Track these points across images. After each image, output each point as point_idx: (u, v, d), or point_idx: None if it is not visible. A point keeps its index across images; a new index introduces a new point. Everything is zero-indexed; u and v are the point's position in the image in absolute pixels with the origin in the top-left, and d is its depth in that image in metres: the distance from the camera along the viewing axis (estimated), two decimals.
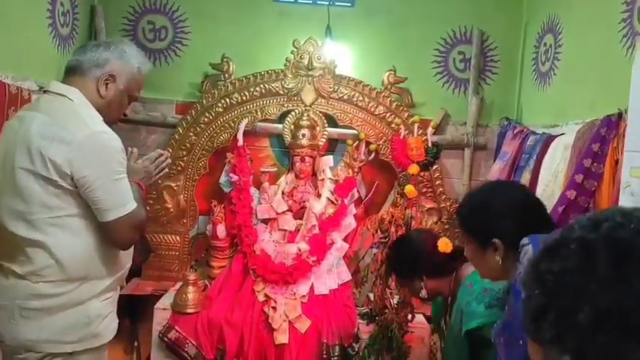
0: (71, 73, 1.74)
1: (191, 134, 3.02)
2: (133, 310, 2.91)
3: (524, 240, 1.31)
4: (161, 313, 2.71)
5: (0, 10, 2.21)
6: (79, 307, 1.67)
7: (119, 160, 1.67)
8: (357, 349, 2.64)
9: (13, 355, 1.64)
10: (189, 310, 2.66)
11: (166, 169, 2.03)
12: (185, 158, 3.02)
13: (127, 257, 1.83)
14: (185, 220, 3.07)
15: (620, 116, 2.01)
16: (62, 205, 1.62)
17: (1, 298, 1.61)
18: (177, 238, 3.07)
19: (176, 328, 2.65)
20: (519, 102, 3.12)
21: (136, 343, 2.82)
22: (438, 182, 3.03)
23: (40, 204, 1.61)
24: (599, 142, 2.04)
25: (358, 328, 2.69)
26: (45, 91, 1.75)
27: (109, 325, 1.77)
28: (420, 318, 2.69)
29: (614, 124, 2.03)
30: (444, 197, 3.04)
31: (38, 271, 1.62)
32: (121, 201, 1.65)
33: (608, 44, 2.19)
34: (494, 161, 2.93)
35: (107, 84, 1.74)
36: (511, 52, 3.15)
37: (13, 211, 1.62)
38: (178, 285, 2.87)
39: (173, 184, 3.02)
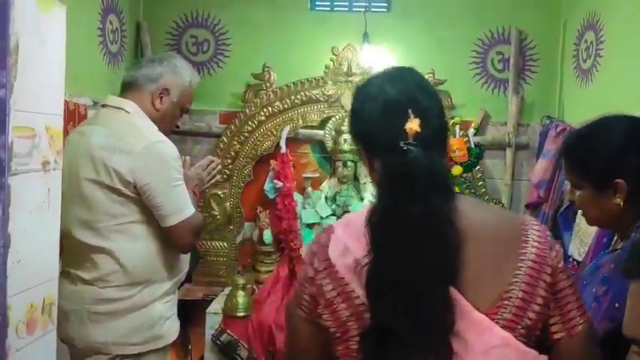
0: (127, 88, 1.84)
1: (235, 143, 3.10)
2: (185, 315, 2.99)
3: None
4: (213, 317, 2.78)
5: None
6: (143, 309, 1.75)
7: (177, 167, 1.75)
8: None
9: (83, 357, 1.73)
10: (240, 314, 2.73)
11: (217, 176, 2.11)
12: (230, 166, 3.10)
13: (185, 262, 1.91)
14: (232, 227, 3.15)
15: None
16: (125, 212, 1.71)
17: (71, 304, 1.70)
18: (225, 244, 3.15)
19: (228, 331, 2.72)
20: (561, 100, 3.10)
21: (190, 347, 2.90)
22: (480, 183, 3.03)
23: (105, 212, 1.70)
24: None
25: None
26: (103, 105, 1.85)
27: (172, 327, 1.85)
28: None
29: None
30: (486, 198, 3.04)
31: (104, 277, 1.71)
32: (180, 206, 1.73)
33: None
34: (537, 160, 2.92)
35: (162, 97, 1.83)
36: (550, 51, 3.14)
37: (80, 220, 1.71)
38: (227, 290, 2.95)
39: (219, 192, 3.10)
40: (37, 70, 0.99)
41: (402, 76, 1.02)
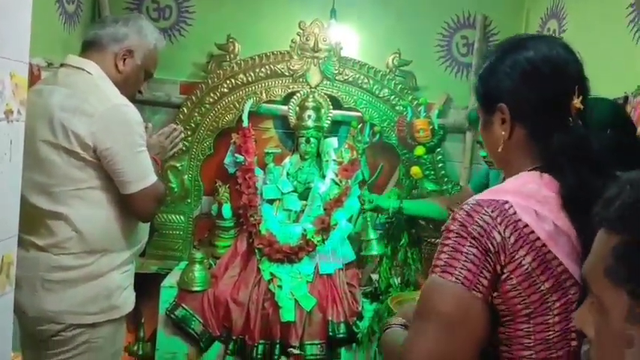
0: (89, 47, 1.75)
1: (196, 114, 3.02)
2: (137, 289, 2.92)
3: None
4: (168, 291, 2.73)
5: None
6: (100, 279, 1.69)
7: (140, 133, 1.69)
8: (361, 327, 2.68)
9: (36, 326, 1.66)
10: (196, 288, 2.68)
11: (180, 144, 2.05)
12: (190, 138, 3.02)
13: (144, 231, 1.85)
14: (189, 200, 3.08)
15: (627, 100, 2.06)
16: (84, 177, 1.64)
17: (23, 271, 1.61)
18: (181, 217, 3.08)
19: (183, 305, 2.67)
20: None
21: (142, 321, 2.83)
22: (440, 165, 3.07)
23: (63, 176, 1.63)
24: None
25: (362, 307, 2.73)
26: (62, 65, 1.75)
27: (128, 298, 1.80)
28: None
29: None
30: (445, 180, 3.08)
31: (60, 244, 1.64)
32: (143, 173, 1.68)
33: (615, 29, 2.23)
34: None
35: (125, 59, 1.76)
36: None
37: (35, 184, 1.63)
38: (182, 264, 2.90)
39: (177, 164, 3.02)
40: (2, 13, 0.92)
41: (570, 50, 1.05)
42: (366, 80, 3.03)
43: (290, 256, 2.78)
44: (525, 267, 0.91)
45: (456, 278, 0.91)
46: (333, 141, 3.06)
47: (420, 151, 2.68)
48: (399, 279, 2.71)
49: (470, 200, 0.98)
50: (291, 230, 2.88)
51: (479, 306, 0.92)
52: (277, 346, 2.61)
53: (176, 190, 3.05)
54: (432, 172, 3.05)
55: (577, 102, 0.97)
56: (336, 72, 3.01)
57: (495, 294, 0.93)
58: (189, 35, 3.14)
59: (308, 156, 2.99)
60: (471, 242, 0.92)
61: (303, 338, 2.62)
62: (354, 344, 2.68)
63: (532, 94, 1.02)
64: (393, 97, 3.04)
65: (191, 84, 3.11)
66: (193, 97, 3.02)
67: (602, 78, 2.25)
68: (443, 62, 3.21)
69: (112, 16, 1.77)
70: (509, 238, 0.91)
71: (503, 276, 0.92)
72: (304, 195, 2.98)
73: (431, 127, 2.72)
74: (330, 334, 2.63)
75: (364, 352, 2.67)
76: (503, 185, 1.02)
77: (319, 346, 2.64)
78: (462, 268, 0.91)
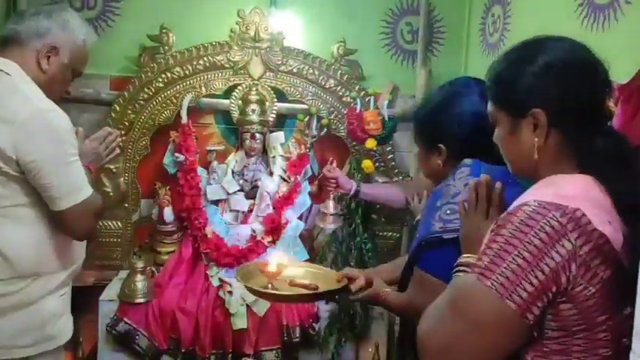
0: (7, 44, 1.54)
1: (129, 112, 2.80)
2: (74, 303, 2.70)
3: (467, 161, 1.33)
4: (107, 304, 2.53)
5: None
6: (32, 307, 1.51)
7: (70, 140, 1.50)
8: (317, 329, 2.59)
9: None
10: (139, 300, 2.50)
11: (117, 150, 1.86)
12: (124, 138, 2.78)
13: (81, 248, 1.67)
14: (127, 205, 2.86)
15: None
16: (7, 193, 1.44)
17: None
18: (119, 223, 2.85)
19: (125, 319, 2.49)
20: (466, 74, 3.12)
21: (80, 339, 2.61)
22: (390, 156, 2.99)
23: None
24: None
25: (318, 308, 2.63)
26: None
27: (66, 325, 1.63)
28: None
29: None
30: (395, 171, 3.01)
31: None
32: (75, 187, 1.49)
33: (562, 14, 2.20)
34: None
35: (49, 57, 1.56)
36: (457, 24, 3.14)
37: None
38: (123, 274, 2.70)
39: (112, 167, 2.79)
40: None
41: (591, 52, 1.03)
42: (311, 71, 2.90)
43: (239, 259, 2.64)
44: (600, 275, 0.89)
45: (492, 284, 0.89)
46: (280, 135, 2.92)
47: (371, 143, 2.59)
48: None
49: (529, 201, 0.92)
50: (240, 232, 2.73)
51: (509, 315, 0.88)
52: (230, 356, 2.48)
53: (111, 194, 2.81)
54: (382, 164, 2.97)
55: (611, 104, 0.97)
56: (280, 63, 2.86)
57: (567, 305, 0.90)
58: (117, 26, 2.89)
59: (254, 152, 2.83)
60: (524, 247, 0.88)
61: (257, 345, 2.50)
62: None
63: (570, 97, 0.98)
64: (339, 87, 2.93)
65: (123, 79, 2.87)
66: (126, 94, 2.79)
67: None
68: (388, 50, 3.12)
69: (34, 9, 1.56)
70: (581, 247, 0.88)
71: (578, 288, 0.89)
72: (251, 194, 2.83)
73: (380, 117, 2.63)
74: (286, 338, 2.52)
75: (322, 354, 2.58)
76: (562, 188, 0.96)
77: (275, 352, 2.53)
78: (500, 275, 0.89)
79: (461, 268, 1.06)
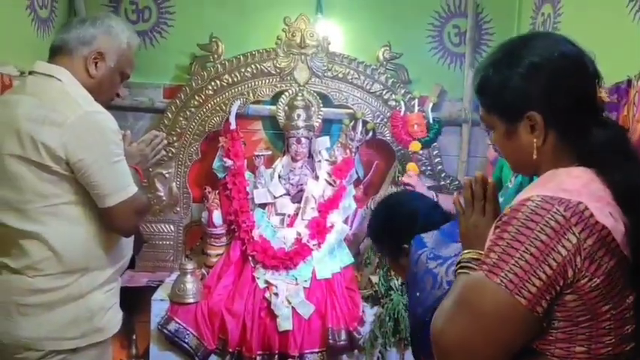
0: (57, 53, 1.63)
1: (181, 119, 2.90)
2: (128, 303, 2.81)
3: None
4: (159, 304, 2.61)
5: None
6: (80, 300, 1.57)
7: (116, 141, 1.57)
8: (362, 333, 2.58)
9: (12, 355, 1.54)
10: (189, 300, 2.57)
11: (162, 152, 1.94)
12: (176, 144, 2.90)
13: (127, 246, 1.73)
14: (178, 209, 2.96)
15: (630, 83, 1.96)
16: (57, 192, 1.52)
17: None
18: (171, 227, 2.96)
19: (175, 319, 2.56)
20: None
21: (134, 337, 2.71)
22: (437, 160, 2.96)
23: (34, 192, 1.50)
24: (608, 111, 1.99)
25: (363, 312, 2.63)
26: (30, 73, 1.63)
27: (113, 318, 1.67)
28: None
29: (623, 91, 1.98)
30: (443, 175, 2.97)
31: (34, 265, 1.52)
32: (121, 184, 1.55)
33: (613, 10, 2.13)
34: None
35: (96, 62, 1.64)
36: (506, 24, 3.08)
37: (5, 201, 1.51)
38: (174, 275, 2.78)
39: (164, 172, 2.90)
40: None
41: (573, 43, 1.03)
42: (356, 75, 2.91)
43: (285, 261, 2.67)
44: (604, 267, 0.89)
45: (501, 280, 0.89)
46: (325, 140, 2.94)
47: (415, 146, 2.57)
48: (399, 280, 2.60)
49: (532, 196, 0.92)
50: (286, 235, 2.77)
51: (520, 310, 0.88)
52: (276, 357, 2.50)
53: (164, 198, 2.92)
54: (429, 168, 2.94)
55: (603, 94, 0.94)
56: (325, 68, 2.90)
57: (572, 296, 0.90)
58: (170, 37, 3.02)
59: (300, 157, 2.87)
60: (530, 243, 0.88)
61: (302, 347, 2.51)
62: (355, 351, 2.57)
63: (563, 95, 0.98)
64: (385, 91, 2.93)
65: (175, 87, 2.99)
66: (177, 101, 2.90)
67: (604, 62, 2.12)
68: (435, 53, 3.10)
69: (79, 17, 1.63)
70: (585, 240, 0.88)
71: (584, 280, 0.89)
72: (297, 198, 2.86)
73: (425, 121, 2.61)
74: (331, 341, 2.52)
75: (367, 358, 2.57)
76: (563, 182, 0.95)
77: (320, 354, 2.53)
78: (509, 271, 0.89)
79: (463, 264, 1.05)
